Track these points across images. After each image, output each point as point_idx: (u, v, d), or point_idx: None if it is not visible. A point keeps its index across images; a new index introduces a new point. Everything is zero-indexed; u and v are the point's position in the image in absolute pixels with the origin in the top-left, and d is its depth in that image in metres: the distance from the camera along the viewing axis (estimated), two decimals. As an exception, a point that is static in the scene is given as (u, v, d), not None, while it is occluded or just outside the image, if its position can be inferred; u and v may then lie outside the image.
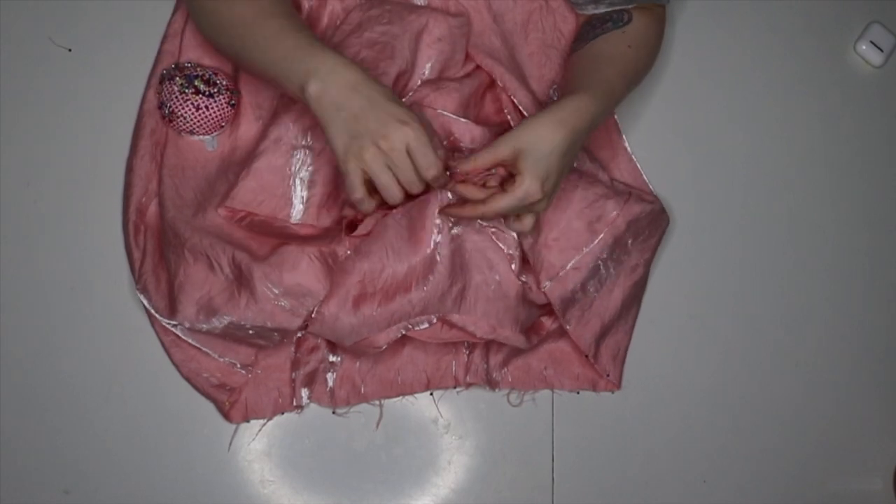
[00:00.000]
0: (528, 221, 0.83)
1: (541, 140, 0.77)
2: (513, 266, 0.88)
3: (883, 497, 1.01)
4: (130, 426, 0.93)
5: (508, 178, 0.80)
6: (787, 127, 1.08)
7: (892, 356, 1.05)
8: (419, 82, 0.90)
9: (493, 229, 0.88)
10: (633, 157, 1.02)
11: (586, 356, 0.96)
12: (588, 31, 0.93)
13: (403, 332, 0.88)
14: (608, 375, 0.97)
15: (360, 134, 0.75)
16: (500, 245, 0.88)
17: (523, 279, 0.89)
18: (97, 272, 0.94)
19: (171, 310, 0.86)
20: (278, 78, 0.79)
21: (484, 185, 0.81)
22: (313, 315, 0.86)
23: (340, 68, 0.75)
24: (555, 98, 0.99)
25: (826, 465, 1.01)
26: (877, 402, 1.03)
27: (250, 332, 0.86)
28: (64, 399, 0.92)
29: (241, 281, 0.84)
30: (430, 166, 0.76)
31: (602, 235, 0.91)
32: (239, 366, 0.92)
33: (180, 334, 0.90)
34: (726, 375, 1.01)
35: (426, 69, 0.90)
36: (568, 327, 0.93)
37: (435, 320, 0.88)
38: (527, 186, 0.77)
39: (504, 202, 0.78)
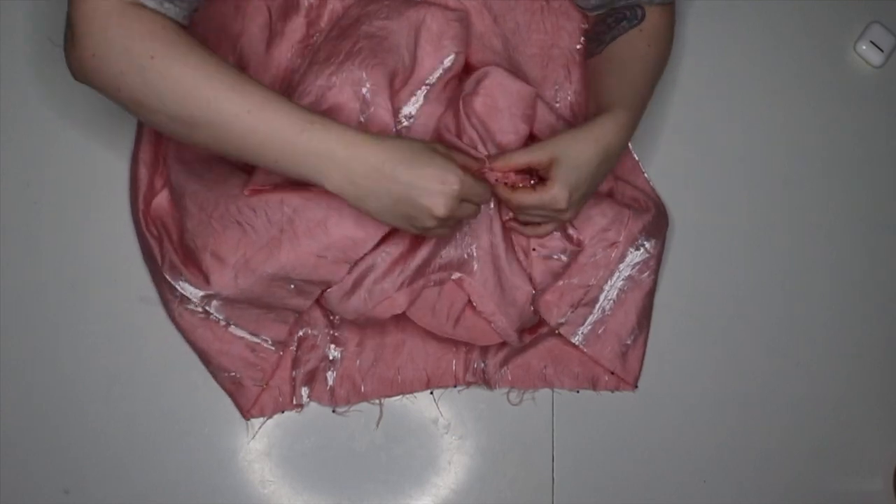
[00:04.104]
0: (545, 229, 0.87)
1: (576, 152, 0.80)
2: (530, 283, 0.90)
3: (883, 497, 1.01)
4: (130, 426, 0.92)
5: (539, 182, 0.82)
6: (787, 127, 1.08)
7: (892, 356, 1.05)
8: (425, 84, 0.89)
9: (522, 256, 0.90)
10: (634, 154, 1.02)
11: (612, 372, 0.97)
12: (604, 31, 0.93)
13: (424, 287, 0.87)
14: (636, 386, 0.98)
15: (411, 216, 0.73)
16: (525, 267, 0.90)
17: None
18: (97, 272, 0.94)
19: (206, 280, 0.84)
20: (272, 169, 0.72)
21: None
22: (351, 272, 0.84)
23: (356, 151, 0.69)
24: (557, 100, 0.99)
25: (826, 465, 1.01)
26: (877, 402, 1.03)
27: (291, 286, 0.85)
28: (64, 399, 0.92)
29: (282, 238, 0.81)
30: (486, 198, 0.78)
31: (602, 272, 0.94)
32: (270, 342, 0.91)
33: (213, 311, 0.87)
34: (726, 375, 1.01)
35: (434, 72, 0.89)
36: (585, 350, 0.96)
37: (453, 277, 0.88)
38: (555, 193, 0.79)
39: (529, 198, 0.80)
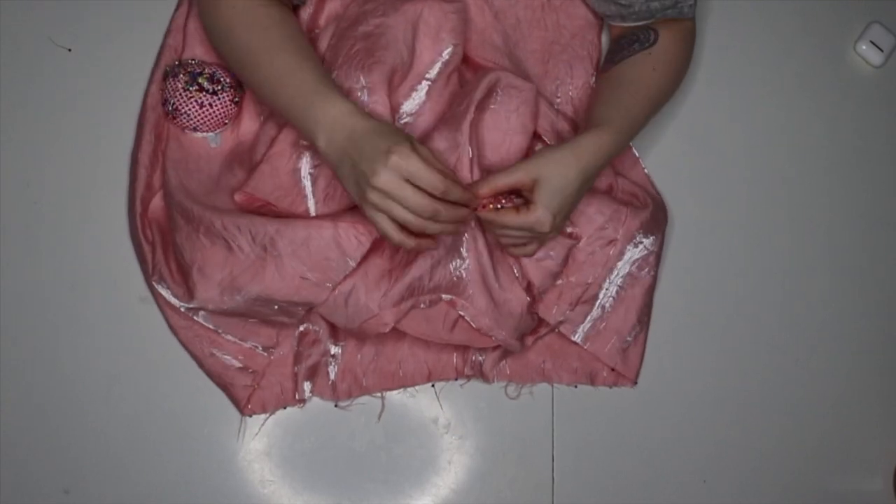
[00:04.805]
0: (530, 249, 0.86)
1: (559, 174, 0.80)
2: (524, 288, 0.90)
3: (883, 497, 1.01)
4: (130, 426, 0.93)
5: (523, 204, 0.82)
6: (788, 127, 1.08)
7: (892, 356, 1.05)
8: (426, 79, 0.89)
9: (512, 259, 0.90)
10: (634, 150, 1.02)
11: (612, 368, 0.98)
12: (616, 52, 0.93)
13: (412, 308, 0.87)
14: (636, 382, 0.99)
15: (359, 179, 0.75)
16: (516, 271, 0.90)
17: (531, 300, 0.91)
18: (97, 272, 0.94)
19: (191, 295, 0.86)
20: (291, 123, 0.80)
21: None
22: (335, 291, 0.85)
23: (341, 118, 0.75)
24: (558, 95, 0.99)
25: (826, 465, 1.01)
26: (876, 402, 1.03)
27: (275, 307, 0.86)
28: (64, 399, 0.92)
29: (266, 258, 0.83)
30: (434, 184, 0.73)
31: (600, 269, 0.94)
32: (261, 348, 0.92)
33: (201, 320, 0.90)
34: (726, 374, 1.01)
35: (433, 66, 0.90)
36: (586, 346, 0.96)
37: (443, 299, 0.87)
38: (539, 216, 0.80)
39: (513, 220, 0.80)
